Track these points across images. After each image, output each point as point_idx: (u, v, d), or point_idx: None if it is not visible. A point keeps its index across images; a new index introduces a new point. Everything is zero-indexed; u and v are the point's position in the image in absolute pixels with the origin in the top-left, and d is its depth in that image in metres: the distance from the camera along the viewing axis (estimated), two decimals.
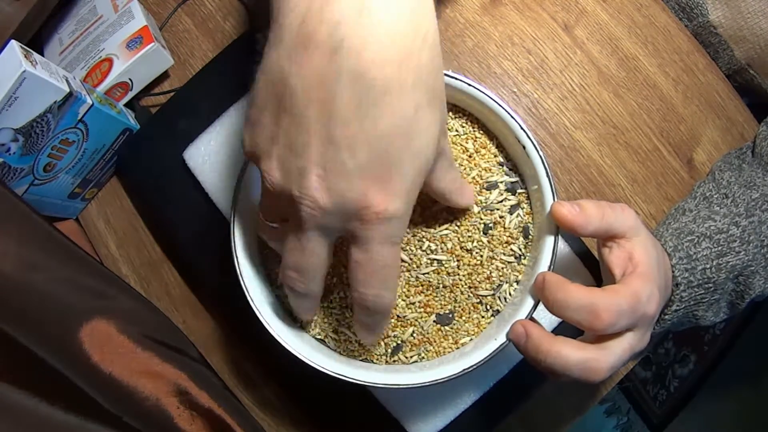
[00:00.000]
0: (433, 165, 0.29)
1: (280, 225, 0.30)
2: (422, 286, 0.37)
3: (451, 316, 0.37)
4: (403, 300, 0.37)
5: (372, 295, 0.29)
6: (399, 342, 0.38)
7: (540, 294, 0.34)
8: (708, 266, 0.40)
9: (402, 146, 0.25)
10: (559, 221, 0.34)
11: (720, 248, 0.40)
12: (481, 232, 0.37)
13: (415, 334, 0.38)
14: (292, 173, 0.26)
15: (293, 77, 0.25)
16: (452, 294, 0.37)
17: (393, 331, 0.38)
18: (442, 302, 0.37)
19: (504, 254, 0.38)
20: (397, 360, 0.38)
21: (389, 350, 0.38)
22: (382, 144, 0.25)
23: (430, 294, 0.37)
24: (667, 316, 0.40)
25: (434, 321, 0.37)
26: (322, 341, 0.39)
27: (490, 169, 0.38)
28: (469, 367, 0.35)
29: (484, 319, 0.38)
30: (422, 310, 0.37)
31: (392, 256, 0.28)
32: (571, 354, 0.31)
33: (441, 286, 0.37)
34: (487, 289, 0.37)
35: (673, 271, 0.39)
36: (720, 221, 0.42)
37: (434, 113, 0.27)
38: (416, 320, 0.37)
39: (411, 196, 0.27)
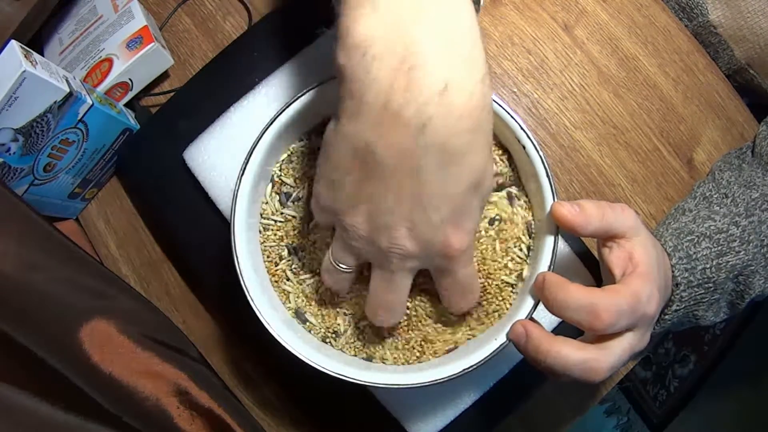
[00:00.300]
0: None
1: (354, 268, 0.34)
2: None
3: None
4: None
5: (466, 303, 0.35)
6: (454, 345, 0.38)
7: (540, 294, 0.34)
8: (708, 266, 0.40)
9: (474, 194, 0.29)
10: (559, 221, 0.34)
11: (720, 248, 0.40)
12: (488, 223, 0.38)
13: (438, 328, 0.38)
14: (381, 228, 0.30)
15: (381, 149, 0.27)
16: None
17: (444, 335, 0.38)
18: None
19: (513, 249, 0.38)
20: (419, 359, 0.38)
21: (415, 351, 0.38)
22: (461, 198, 0.29)
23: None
24: (667, 316, 0.40)
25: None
26: (324, 341, 0.39)
27: None
28: (469, 367, 0.35)
29: (512, 297, 0.38)
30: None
31: (472, 271, 0.33)
32: (571, 354, 0.31)
33: None
34: (506, 274, 0.38)
35: (673, 271, 0.39)
36: (720, 221, 0.42)
37: (492, 157, 0.31)
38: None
39: (476, 227, 0.32)
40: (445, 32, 0.26)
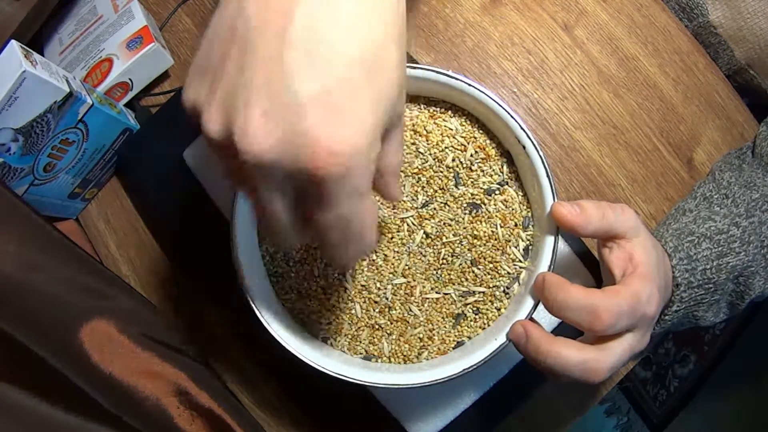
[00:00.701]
0: (389, 134, 0.26)
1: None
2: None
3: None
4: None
5: (348, 257, 0.26)
6: (461, 339, 0.38)
7: (540, 294, 0.34)
8: (708, 267, 0.40)
9: (363, 77, 0.22)
10: (559, 221, 0.34)
11: (720, 249, 0.40)
12: (487, 224, 0.38)
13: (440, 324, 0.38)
14: (232, 112, 0.22)
15: (250, 5, 0.22)
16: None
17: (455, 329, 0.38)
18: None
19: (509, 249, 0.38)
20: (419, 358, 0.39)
21: (415, 351, 0.38)
22: (340, 70, 0.21)
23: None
24: (667, 317, 0.40)
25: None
26: (324, 341, 0.39)
27: (490, 171, 0.38)
28: (469, 367, 0.35)
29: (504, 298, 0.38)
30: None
31: (362, 210, 0.24)
32: (570, 355, 0.31)
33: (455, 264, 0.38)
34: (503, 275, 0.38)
35: (673, 272, 0.39)
36: (720, 222, 0.42)
37: (402, 59, 0.24)
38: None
39: (372, 137, 0.23)
40: None
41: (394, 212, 0.38)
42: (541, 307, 0.34)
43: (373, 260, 0.38)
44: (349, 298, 0.38)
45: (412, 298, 0.38)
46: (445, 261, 0.38)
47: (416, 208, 0.38)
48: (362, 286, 0.38)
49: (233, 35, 0.22)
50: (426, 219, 0.38)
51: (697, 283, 0.40)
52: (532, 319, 0.35)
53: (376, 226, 0.26)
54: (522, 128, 0.36)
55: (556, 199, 0.35)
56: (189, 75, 0.24)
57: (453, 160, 0.38)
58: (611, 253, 0.34)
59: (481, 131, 0.39)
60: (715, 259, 0.40)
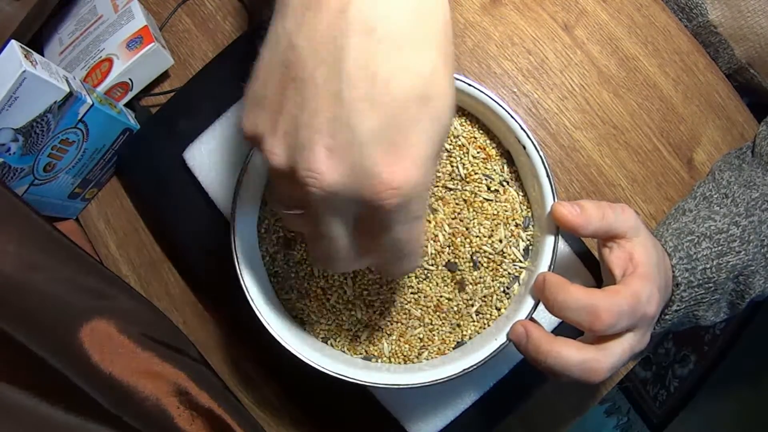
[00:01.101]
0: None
1: (303, 211, 0.27)
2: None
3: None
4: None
5: (400, 272, 0.29)
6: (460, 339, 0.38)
7: (540, 295, 0.34)
8: (708, 266, 0.40)
9: (418, 109, 0.23)
10: (559, 221, 0.34)
11: (720, 248, 0.40)
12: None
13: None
14: (297, 148, 0.23)
15: (301, 40, 0.23)
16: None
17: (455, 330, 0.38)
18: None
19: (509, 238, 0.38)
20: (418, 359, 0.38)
21: (415, 351, 0.38)
22: (397, 105, 0.23)
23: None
24: (667, 316, 0.40)
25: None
26: (324, 341, 0.39)
27: (490, 171, 0.38)
28: (469, 367, 0.35)
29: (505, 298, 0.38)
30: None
31: (416, 231, 0.26)
32: (571, 355, 0.31)
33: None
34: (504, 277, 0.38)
35: (673, 271, 0.39)
36: (720, 221, 0.42)
37: (450, 79, 0.24)
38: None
39: (429, 165, 0.24)
40: None
41: None
42: (541, 307, 0.34)
43: None
44: (349, 299, 0.38)
45: (408, 298, 0.38)
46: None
47: None
48: (362, 287, 0.38)
49: (287, 68, 0.23)
50: (426, 219, 0.38)
51: (697, 282, 0.40)
52: (532, 319, 0.35)
53: (423, 243, 0.27)
54: (522, 128, 0.36)
55: (556, 199, 0.35)
56: (246, 104, 0.25)
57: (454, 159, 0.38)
58: (611, 253, 0.35)
59: (481, 131, 0.39)
60: (715, 258, 0.40)
